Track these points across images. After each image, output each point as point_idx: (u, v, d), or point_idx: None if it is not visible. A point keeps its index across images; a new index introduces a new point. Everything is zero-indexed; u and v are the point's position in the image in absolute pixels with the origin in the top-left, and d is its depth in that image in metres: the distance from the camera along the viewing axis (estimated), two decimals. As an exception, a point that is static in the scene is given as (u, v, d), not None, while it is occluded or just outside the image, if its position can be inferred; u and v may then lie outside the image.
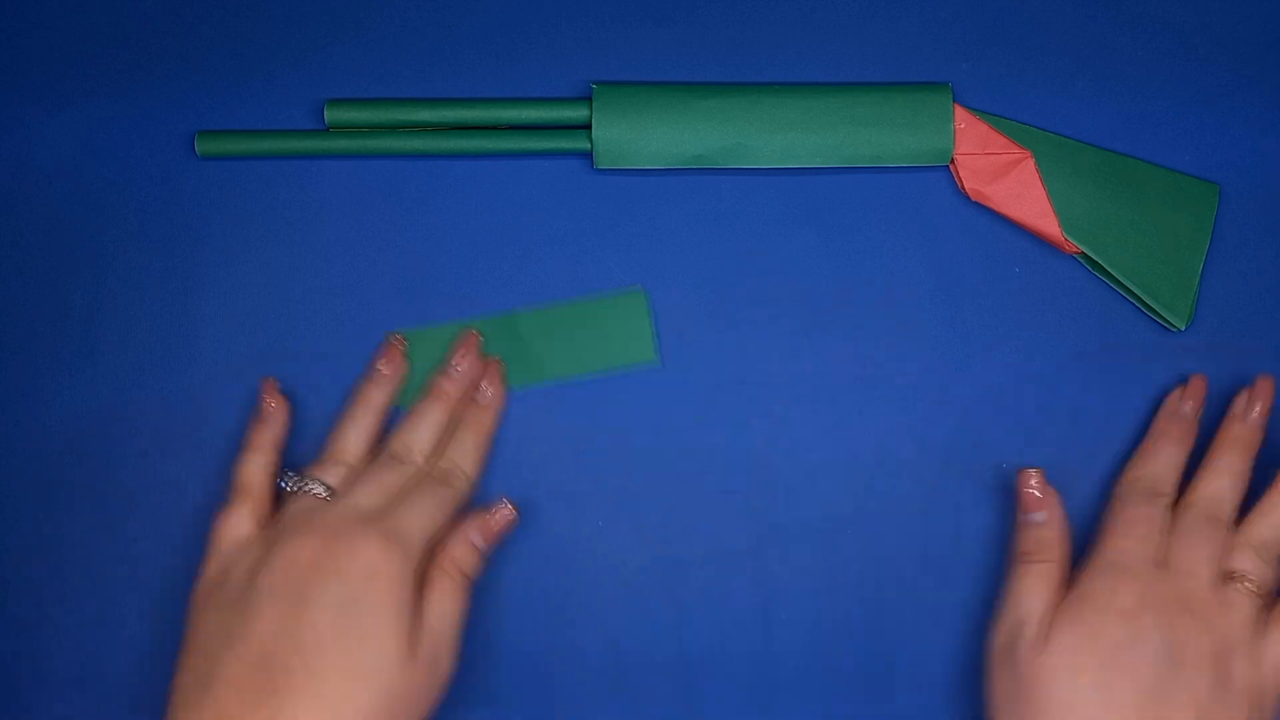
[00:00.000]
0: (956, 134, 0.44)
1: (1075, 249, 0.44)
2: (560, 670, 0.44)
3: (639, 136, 0.44)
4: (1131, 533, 0.40)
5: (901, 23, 0.46)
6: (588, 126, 0.44)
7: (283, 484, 0.42)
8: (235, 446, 0.45)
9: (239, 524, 0.41)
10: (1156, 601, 0.38)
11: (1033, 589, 0.41)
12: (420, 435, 0.43)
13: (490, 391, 0.44)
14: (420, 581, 0.40)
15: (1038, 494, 0.42)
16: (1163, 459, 0.43)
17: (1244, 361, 0.45)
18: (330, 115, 0.45)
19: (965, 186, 0.45)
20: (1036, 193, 0.44)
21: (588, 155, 0.45)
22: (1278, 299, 0.45)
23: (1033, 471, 0.42)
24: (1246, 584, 0.39)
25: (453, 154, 0.45)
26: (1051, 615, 0.40)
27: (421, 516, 0.40)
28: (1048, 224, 0.44)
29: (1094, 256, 0.44)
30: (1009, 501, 0.44)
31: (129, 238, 0.45)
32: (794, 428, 0.45)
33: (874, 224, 0.45)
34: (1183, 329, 0.44)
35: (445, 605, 0.40)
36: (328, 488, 0.41)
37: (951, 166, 0.45)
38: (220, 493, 0.45)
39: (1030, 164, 0.44)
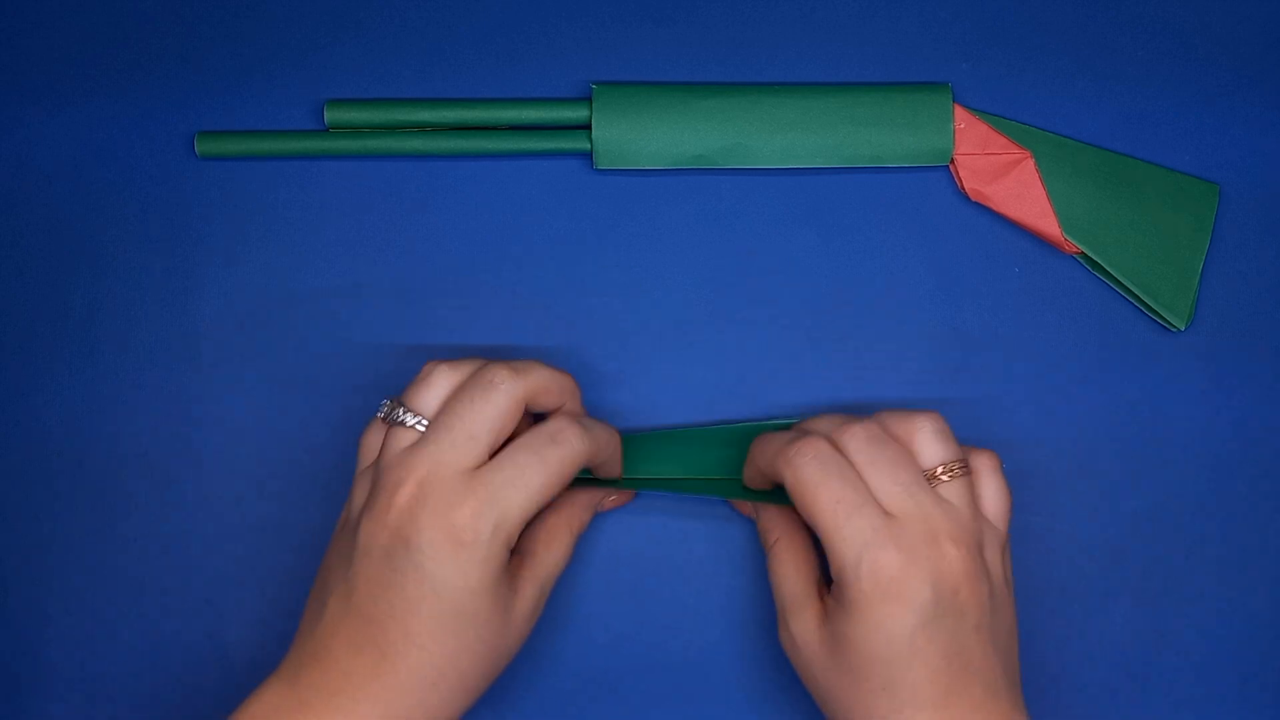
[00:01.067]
0: (956, 134, 0.44)
1: (1075, 249, 0.44)
2: (560, 670, 0.44)
3: (639, 136, 0.44)
4: (850, 506, 0.36)
5: (901, 23, 0.46)
6: (588, 126, 0.45)
7: (379, 413, 0.39)
8: (235, 446, 0.45)
9: (369, 446, 0.39)
10: (905, 555, 0.36)
11: (781, 573, 0.40)
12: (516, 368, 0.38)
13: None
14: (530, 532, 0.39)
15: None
16: (768, 435, 0.40)
17: (1244, 361, 0.45)
18: (330, 115, 0.45)
19: (965, 186, 0.45)
20: (1036, 193, 0.44)
21: (588, 155, 0.45)
22: (1278, 299, 0.45)
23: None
24: (945, 474, 0.38)
25: (453, 154, 0.45)
26: (812, 591, 0.39)
27: (525, 486, 0.36)
28: (1048, 224, 0.44)
29: (1094, 256, 0.44)
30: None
31: (129, 238, 0.45)
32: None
33: (874, 224, 0.45)
34: (1183, 329, 0.44)
35: (559, 560, 0.40)
36: (418, 417, 0.37)
37: (951, 166, 0.45)
38: (219, 493, 0.45)
39: (1030, 164, 0.44)
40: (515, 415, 0.37)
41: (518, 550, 0.39)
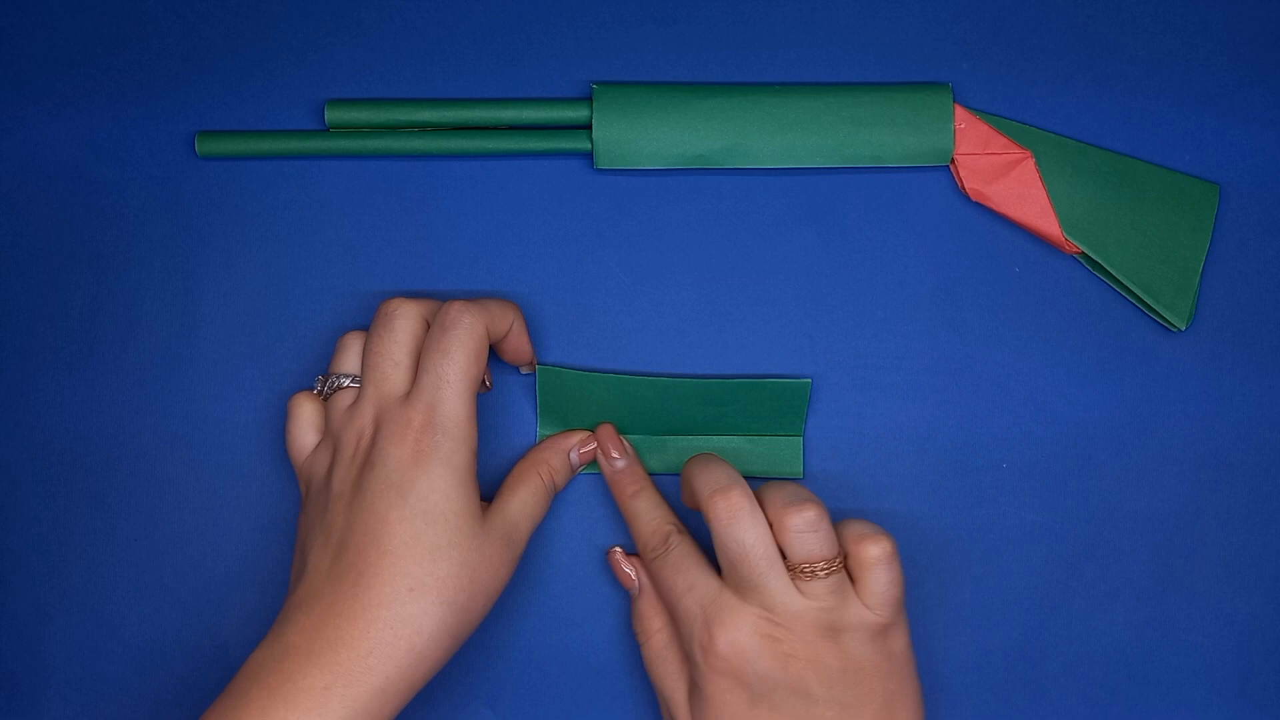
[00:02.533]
0: (956, 134, 0.44)
1: (1075, 249, 0.44)
2: (560, 670, 0.44)
3: (639, 136, 0.44)
4: (681, 590, 0.39)
5: (901, 23, 0.46)
6: (588, 126, 0.45)
7: (315, 389, 0.42)
8: (236, 446, 0.45)
9: (301, 438, 0.41)
10: (733, 636, 0.38)
11: (662, 672, 0.41)
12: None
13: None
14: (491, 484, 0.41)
15: (627, 571, 0.43)
16: (643, 517, 0.42)
17: (1244, 361, 0.45)
18: (330, 115, 0.45)
19: (965, 186, 0.45)
20: (1036, 193, 0.44)
21: (588, 155, 0.45)
22: (1278, 299, 0.45)
23: (615, 554, 0.43)
24: (805, 569, 0.38)
25: (453, 154, 0.45)
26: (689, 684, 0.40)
27: (446, 378, 0.39)
28: (1048, 224, 0.44)
29: (1094, 256, 0.44)
30: (1009, 502, 0.44)
31: (129, 238, 0.45)
32: (794, 428, 0.45)
33: (874, 224, 0.45)
34: (1183, 329, 0.44)
35: (526, 500, 0.41)
36: (352, 377, 0.41)
37: (951, 166, 0.45)
38: (219, 493, 0.45)
39: (1030, 164, 0.44)
40: (419, 333, 0.40)
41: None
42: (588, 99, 0.45)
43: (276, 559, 0.44)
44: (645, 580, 0.43)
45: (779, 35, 0.46)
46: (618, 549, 0.43)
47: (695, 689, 0.39)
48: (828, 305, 0.45)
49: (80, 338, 0.45)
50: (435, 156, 0.45)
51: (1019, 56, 0.46)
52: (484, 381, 0.43)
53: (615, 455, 0.43)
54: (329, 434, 0.41)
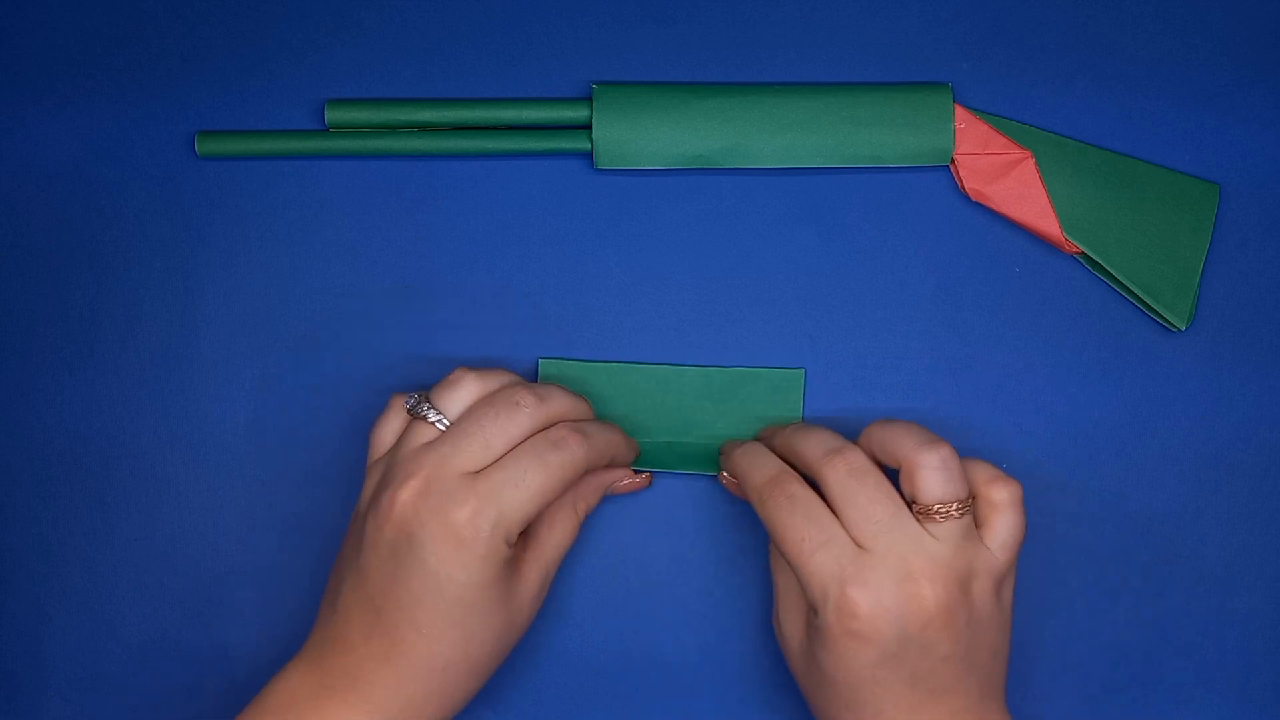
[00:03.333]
0: (956, 134, 0.44)
1: (1075, 249, 0.44)
2: (560, 670, 0.44)
3: (639, 136, 0.44)
4: (813, 544, 0.37)
5: (901, 23, 0.46)
6: (588, 126, 0.44)
7: (407, 404, 0.40)
8: (236, 446, 0.45)
9: (381, 435, 0.40)
10: (871, 593, 0.36)
11: (779, 565, 0.41)
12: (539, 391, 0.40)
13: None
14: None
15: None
16: (756, 467, 0.40)
17: (1244, 361, 0.45)
18: (330, 115, 0.45)
19: (965, 186, 0.45)
20: (1036, 193, 0.44)
21: (588, 155, 0.45)
22: (1278, 299, 0.45)
23: (725, 477, 0.43)
24: (938, 510, 0.37)
25: (453, 154, 0.45)
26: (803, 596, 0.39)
27: (524, 488, 0.37)
28: (1048, 224, 0.44)
29: (1094, 256, 0.44)
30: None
31: (129, 238, 0.45)
32: (794, 428, 0.45)
33: (874, 224, 0.45)
34: (1183, 329, 0.44)
35: (561, 540, 0.41)
36: (440, 415, 0.39)
37: (951, 166, 0.45)
38: (219, 493, 0.45)
39: (1030, 164, 0.44)
40: (528, 432, 0.39)
41: (523, 532, 0.40)
42: (588, 99, 0.45)
43: (276, 559, 0.44)
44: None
45: (779, 35, 0.46)
46: (724, 473, 0.43)
47: (814, 632, 0.37)
48: (827, 305, 0.45)
49: (80, 338, 0.45)
50: (435, 156, 0.45)
51: (1019, 56, 0.46)
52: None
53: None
54: (389, 456, 0.39)
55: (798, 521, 0.37)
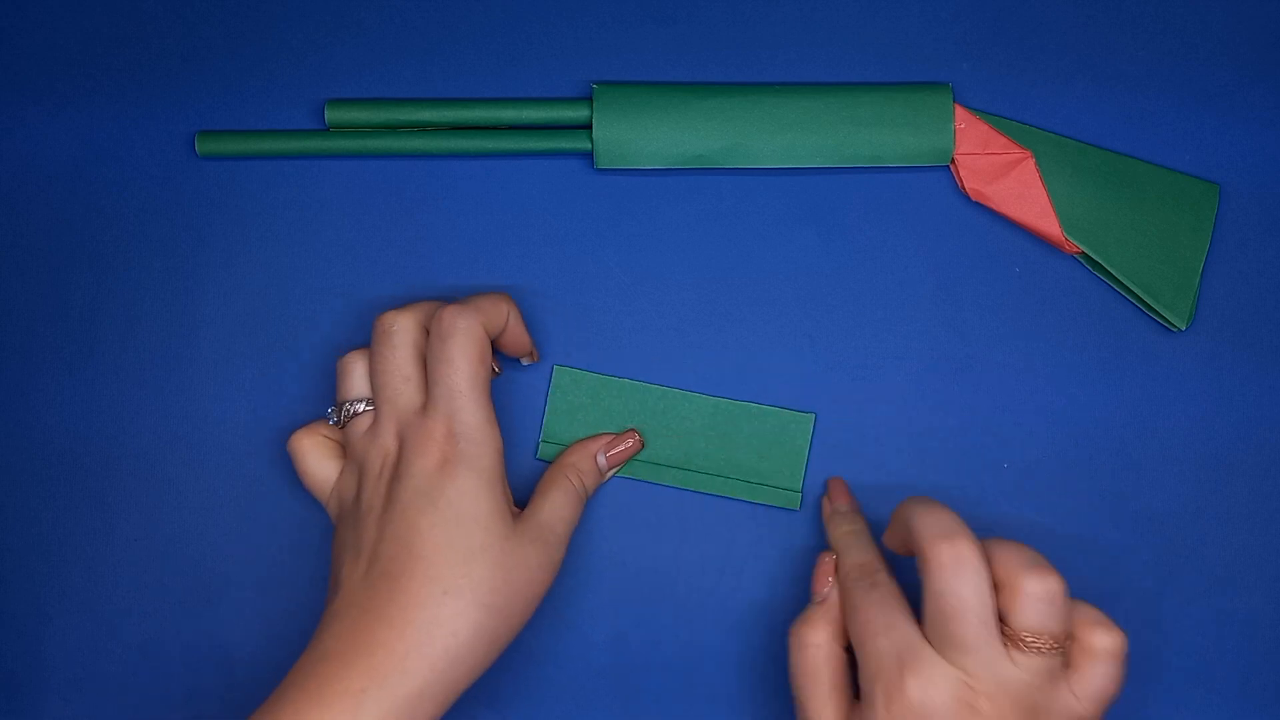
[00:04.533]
0: (957, 134, 0.44)
1: (1075, 249, 0.44)
2: (560, 670, 0.44)
3: (639, 136, 0.44)
4: (878, 628, 0.36)
5: (901, 23, 0.46)
6: (588, 126, 0.44)
7: (332, 420, 0.42)
8: (236, 446, 0.45)
9: (318, 471, 0.41)
10: (923, 692, 0.35)
11: (811, 675, 0.39)
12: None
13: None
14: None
15: (828, 582, 0.40)
16: (854, 549, 0.40)
17: (1244, 361, 0.45)
18: (330, 115, 0.45)
19: (965, 186, 0.45)
20: (1036, 193, 0.44)
21: (588, 155, 0.45)
22: (1278, 299, 0.45)
23: (827, 562, 0.41)
24: (1028, 640, 0.35)
25: (453, 154, 0.45)
26: (842, 708, 0.38)
27: (457, 389, 0.39)
28: (1048, 224, 0.44)
29: (1094, 256, 0.44)
30: (1009, 502, 0.44)
31: (129, 238, 0.45)
32: (794, 428, 0.45)
33: (874, 224, 0.45)
34: (1183, 329, 0.44)
35: (558, 502, 0.41)
36: (365, 400, 0.41)
37: (951, 166, 0.45)
38: (219, 493, 0.45)
39: (1030, 164, 0.44)
40: (420, 343, 0.40)
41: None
42: (588, 99, 0.45)
43: (277, 559, 0.44)
44: (834, 597, 0.40)
45: (779, 35, 0.46)
46: (829, 556, 0.41)
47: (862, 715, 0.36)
48: (828, 305, 0.45)
49: (80, 338, 0.45)
50: (435, 156, 0.45)
51: (1019, 56, 0.46)
52: (493, 369, 0.42)
53: (843, 501, 0.43)
54: (352, 459, 0.40)
55: (873, 603, 0.37)
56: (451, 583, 0.37)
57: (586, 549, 0.45)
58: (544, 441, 0.44)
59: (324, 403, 0.45)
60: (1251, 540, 0.45)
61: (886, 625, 0.36)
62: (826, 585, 0.40)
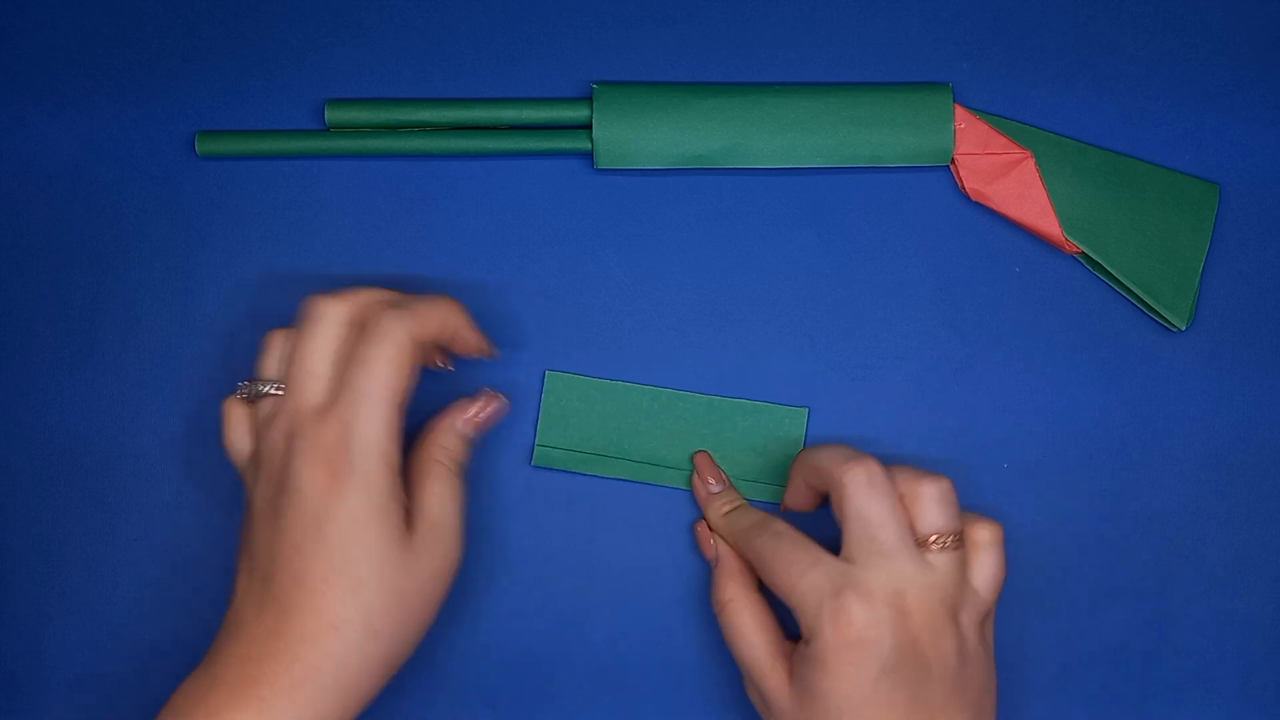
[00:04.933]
0: (957, 134, 0.44)
1: (1075, 249, 0.44)
2: (560, 670, 0.44)
3: (639, 136, 0.44)
4: (804, 566, 0.38)
5: (901, 23, 0.46)
6: (588, 126, 0.45)
7: (240, 394, 0.39)
8: (235, 446, 0.45)
9: (237, 443, 0.40)
10: (866, 605, 0.36)
11: (740, 634, 0.40)
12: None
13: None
14: (407, 469, 0.38)
15: (710, 542, 0.42)
16: (742, 517, 0.41)
17: (1244, 361, 0.45)
18: (330, 115, 0.45)
19: (965, 186, 0.45)
20: (1036, 193, 0.44)
21: (588, 155, 0.45)
22: (1278, 299, 0.45)
23: (699, 527, 0.43)
24: (937, 544, 0.38)
25: (453, 154, 0.45)
26: (774, 650, 0.39)
27: (369, 396, 0.36)
28: (1048, 224, 0.44)
29: (1094, 256, 0.44)
30: (1009, 502, 0.44)
31: (130, 238, 0.45)
32: (794, 428, 0.45)
33: (874, 224, 0.45)
34: (1183, 329, 0.44)
35: (443, 494, 0.39)
36: (274, 383, 0.38)
37: (951, 166, 0.45)
38: (219, 493, 0.45)
39: (1030, 164, 0.44)
40: (344, 338, 0.38)
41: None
42: (588, 99, 0.45)
43: (276, 559, 0.44)
44: (724, 549, 0.42)
45: (779, 35, 0.46)
46: (701, 524, 0.43)
47: (806, 661, 0.37)
48: (828, 305, 0.45)
49: (80, 338, 0.45)
50: (435, 156, 0.45)
51: (1019, 56, 0.46)
52: (444, 364, 0.42)
53: (712, 481, 0.43)
54: (258, 446, 0.39)
55: (785, 549, 0.38)
56: (340, 615, 0.35)
57: (587, 549, 0.45)
58: (539, 446, 0.44)
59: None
60: (1251, 540, 0.45)
61: (811, 561, 0.37)
62: (711, 548, 0.42)
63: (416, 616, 0.37)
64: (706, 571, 0.44)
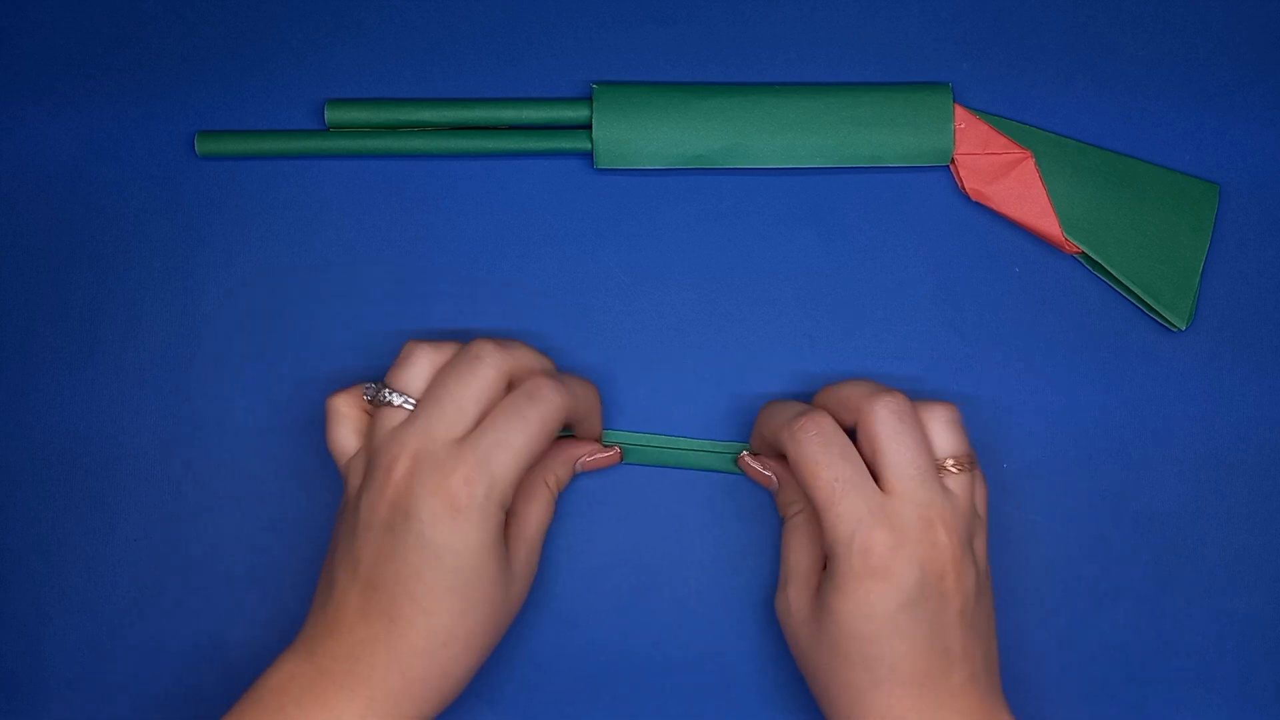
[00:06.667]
0: (956, 134, 0.44)
1: (1075, 249, 0.44)
2: (560, 670, 0.44)
3: (639, 136, 0.44)
4: (835, 479, 0.38)
5: (901, 23, 0.46)
6: (588, 126, 0.45)
7: (366, 396, 0.40)
8: (236, 446, 0.45)
9: (342, 441, 0.40)
10: (896, 536, 0.37)
11: (792, 544, 0.41)
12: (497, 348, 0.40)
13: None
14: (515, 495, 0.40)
15: (765, 472, 0.43)
16: (778, 406, 0.41)
17: (1244, 361, 0.45)
18: (330, 115, 0.45)
19: (965, 186, 0.45)
20: (1036, 193, 0.44)
21: (588, 155, 0.45)
22: (1278, 299, 0.45)
23: (746, 458, 0.43)
24: (955, 466, 0.39)
25: (453, 154, 0.45)
26: (816, 566, 0.40)
27: (510, 447, 0.37)
28: (1048, 224, 0.44)
29: (1094, 256, 0.44)
30: (1009, 502, 0.44)
31: (129, 238, 0.45)
32: (794, 428, 0.45)
33: (874, 224, 0.45)
34: (1183, 329, 0.44)
35: (540, 516, 0.41)
36: (405, 397, 0.39)
37: (951, 166, 0.45)
38: (219, 493, 0.45)
39: (1030, 164, 0.44)
40: (500, 388, 0.39)
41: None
42: (588, 99, 0.45)
43: (277, 559, 0.44)
44: (782, 472, 0.43)
45: (779, 35, 0.46)
46: (745, 454, 0.43)
47: (830, 579, 0.38)
48: (828, 305, 0.45)
49: (80, 338, 0.45)
50: (435, 156, 0.45)
51: (1019, 56, 0.46)
52: (560, 479, 0.43)
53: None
54: (369, 446, 0.39)
55: (834, 459, 0.38)
56: (450, 635, 0.37)
57: (587, 548, 0.45)
58: None
59: (321, 404, 0.45)
60: (1251, 540, 0.45)
61: (853, 483, 0.38)
62: (768, 478, 0.43)
63: (504, 628, 0.40)
64: (708, 570, 0.44)
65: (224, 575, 0.45)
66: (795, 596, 0.40)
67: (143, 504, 0.45)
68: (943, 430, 0.39)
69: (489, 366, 0.38)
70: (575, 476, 0.44)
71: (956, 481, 0.39)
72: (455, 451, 0.37)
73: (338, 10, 0.46)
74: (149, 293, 0.45)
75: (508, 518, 0.40)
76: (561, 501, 0.44)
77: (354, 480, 0.40)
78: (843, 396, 0.40)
